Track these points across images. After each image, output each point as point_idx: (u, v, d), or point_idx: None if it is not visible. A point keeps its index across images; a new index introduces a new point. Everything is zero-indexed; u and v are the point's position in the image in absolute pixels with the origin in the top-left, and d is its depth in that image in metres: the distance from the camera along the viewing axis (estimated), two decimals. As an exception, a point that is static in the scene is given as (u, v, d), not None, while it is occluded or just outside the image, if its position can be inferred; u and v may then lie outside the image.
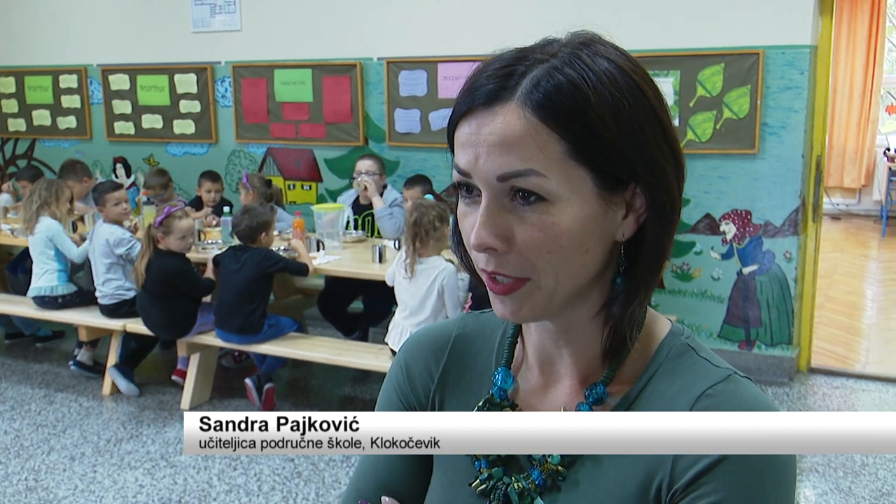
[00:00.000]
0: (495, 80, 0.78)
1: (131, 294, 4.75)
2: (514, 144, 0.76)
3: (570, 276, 0.80)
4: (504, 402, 0.92)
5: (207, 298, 4.66)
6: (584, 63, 0.78)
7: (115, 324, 4.74)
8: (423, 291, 3.91)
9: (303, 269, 4.41)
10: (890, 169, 9.34)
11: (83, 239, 5.14)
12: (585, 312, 0.86)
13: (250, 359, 4.86)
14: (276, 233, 4.89)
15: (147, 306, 4.50)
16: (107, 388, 4.77)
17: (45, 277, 4.95)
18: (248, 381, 4.48)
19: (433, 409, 0.98)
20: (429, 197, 3.97)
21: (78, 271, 5.43)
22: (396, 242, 4.73)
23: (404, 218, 5.07)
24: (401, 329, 4.00)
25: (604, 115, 0.76)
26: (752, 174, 4.63)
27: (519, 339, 0.96)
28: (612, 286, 0.85)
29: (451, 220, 3.78)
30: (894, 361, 5.12)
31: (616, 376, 0.87)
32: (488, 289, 0.83)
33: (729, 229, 4.74)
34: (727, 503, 0.77)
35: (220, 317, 4.38)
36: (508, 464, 0.91)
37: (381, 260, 4.47)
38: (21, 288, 5.56)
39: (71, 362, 5.08)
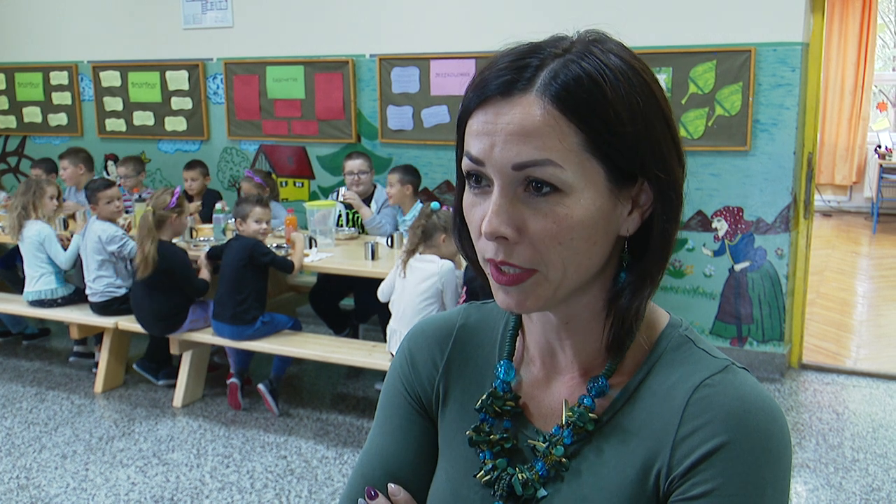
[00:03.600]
0: (511, 72, 0.79)
1: (122, 291, 4.74)
2: (533, 134, 0.77)
3: (576, 268, 0.81)
4: (507, 394, 0.93)
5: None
6: (597, 58, 0.79)
7: (107, 321, 4.73)
8: (417, 288, 3.89)
9: (287, 266, 4.39)
10: (881, 166, 9.38)
11: (74, 235, 5.13)
12: (586, 306, 0.87)
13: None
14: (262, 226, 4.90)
15: (141, 298, 4.49)
16: (99, 385, 4.76)
17: (43, 280, 4.94)
18: (260, 386, 4.42)
19: (437, 399, 0.99)
20: (435, 205, 3.99)
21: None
22: (389, 240, 4.73)
23: (391, 217, 5.10)
24: (399, 335, 3.97)
25: (620, 110, 0.77)
26: (744, 171, 4.64)
27: (520, 332, 0.97)
28: (615, 280, 0.86)
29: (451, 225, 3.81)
30: (885, 357, 5.15)
31: (617, 368, 0.88)
32: (492, 279, 0.83)
33: (721, 226, 4.75)
34: (724, 490, 0.78)
35: (216, 307, 4.38)
36: (513, 455, 0.92)
37: (373, 257, 4.47)
38: (17, 282, 5.56)
39: (72, 357, 5.13)
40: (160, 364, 4.81)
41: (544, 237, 0.79)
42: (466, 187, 0.84)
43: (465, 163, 0.82)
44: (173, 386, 4.67)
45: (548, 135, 0.77)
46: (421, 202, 4.98)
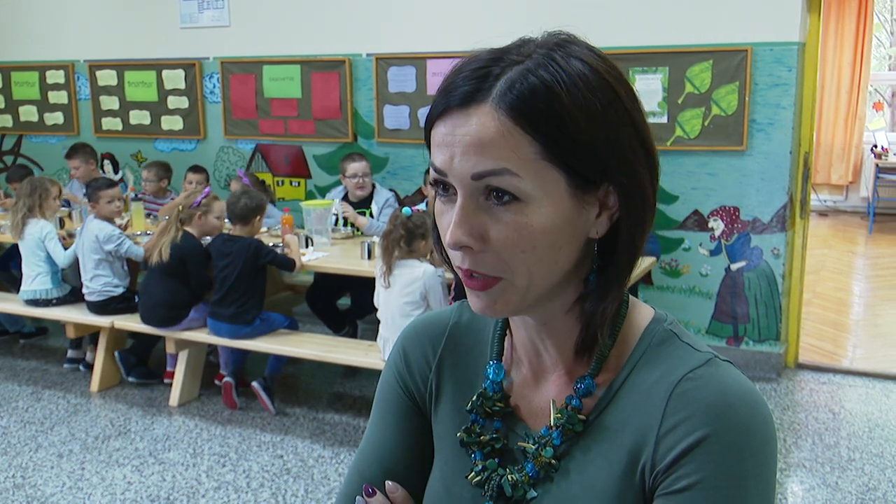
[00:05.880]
0: (471, 82, 0.79)
1: (119, 291, 4.74)
2: (489, 145, 0.77)
3: (543, 273, 0.82)
4: (496, 395, 0.94)
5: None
6: (557, 65, 0.78)
7: (103, 320, 4.72)
8: (402, 293, 3.88)
9: (289, 264, 4.40)
10: (877, 165, 9.39)
11: (70, 236, 5.13)
12: (562, 307, 0.87)
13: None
14: (264, 229, 4.89)
15: (151, 285, 4.50)
16: (94, 385, 4.75)
17: (39, 280, 4.94)
18: (255, 384, 4.41)
19: (430, 397, 1.00)
20: (407, 211, 3.93)
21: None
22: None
23: None
24: (390, 343, 3.95)
25: (577, 116, 0.77)
26: (741, 171, 4.65)
27: (508, 332, 0.97)
28: (587, 282, 0.86)
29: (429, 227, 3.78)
30: (881, 357, 5.16)
31: (602, 366, 0.89)
32: (464, 284, 0.84)
33: (717, 226, 4.75)
34: (706, 483, 0.79)
35: (214, 306, 4.37)
36: (503, 456, 0.92)
37: (369, 256, 4.48)
38: (15, 283, 5.54)
39: (79, 365, 5.10)
40: (139, 361, 4.82)
41: (507, 246, 0.79)
42: (437, 195, 0.84)
43: (431, 172, 0.83)
44: (144, 386, 4.75)
45: (503, 145, 0.77)
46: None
